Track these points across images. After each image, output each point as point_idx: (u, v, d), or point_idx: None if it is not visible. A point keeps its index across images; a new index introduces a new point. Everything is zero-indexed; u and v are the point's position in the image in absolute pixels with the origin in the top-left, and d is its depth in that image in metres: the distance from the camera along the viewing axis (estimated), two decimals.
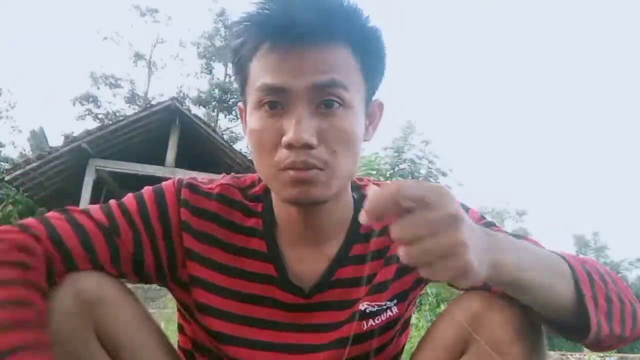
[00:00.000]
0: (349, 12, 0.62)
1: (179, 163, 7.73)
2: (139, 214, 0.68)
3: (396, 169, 12.97)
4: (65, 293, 0.60)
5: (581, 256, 0.67)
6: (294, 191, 0.61)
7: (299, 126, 0.59)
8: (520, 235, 0.69)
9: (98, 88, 20.23)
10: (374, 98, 0.69)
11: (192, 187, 0.72)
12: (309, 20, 0.58)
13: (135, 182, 5.78)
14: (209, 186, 0.73)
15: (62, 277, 0.62)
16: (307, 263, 0.71)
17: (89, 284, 0.62)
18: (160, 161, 7.81)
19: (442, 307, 6.18)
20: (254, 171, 0.74)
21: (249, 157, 8.24)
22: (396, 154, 13.16)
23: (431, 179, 12.92)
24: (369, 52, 0.64)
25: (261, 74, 0.61)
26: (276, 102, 0.61)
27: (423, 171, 13.15)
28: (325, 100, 0.61)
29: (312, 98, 0.60)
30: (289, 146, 0.60)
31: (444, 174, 13.44)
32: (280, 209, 0.71)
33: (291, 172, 0.61)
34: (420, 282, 0.74)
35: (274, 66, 0.60)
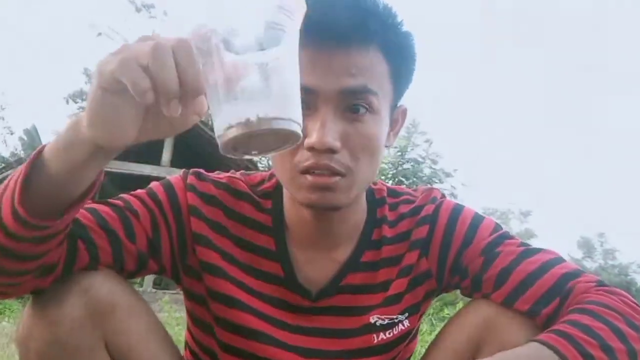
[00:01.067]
0: (384, 14, 0.62)
1: (175, 163, 7.72)
2: (151, 199, 0.69)
3: (399, 168, 12.94)
4: (76, 301, 0.60)
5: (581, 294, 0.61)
6: (312, 196, 0.61)
7: (323, 129, 0.58)
8: (535, 249, 0.68)
9: None
10: (398, 104, 0.68)
11: (199, 174, 0.73)
12: (344, 20, 0.58)
13: (130, 182, 5.78)
14: (217, 176, 0.74)
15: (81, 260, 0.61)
16: (315, 266, 0.71)
17: (102, 292, 0.61)
18: (156, 161, 7.80)
19: (447, 310, 6.17)
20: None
21: (247, 158, 8.22)
22: (399, 154, 13.13)
23: (435, 179, 12.89)
24: (400, 57, 0.64)
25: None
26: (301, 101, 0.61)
27: (427, 171, 13.12)
28: (353, 104, 0.60)
29: (340, 101, 0.60)
30: (311, 149, 0.59)
31: (448, 175, 13.41)
32: (292, 210, 0.71)
33: (310, 177, 0.60)
34: (431, 294, 0.74)
35: (302, 65, 0.59)
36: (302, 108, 0.59)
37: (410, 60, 0.66)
